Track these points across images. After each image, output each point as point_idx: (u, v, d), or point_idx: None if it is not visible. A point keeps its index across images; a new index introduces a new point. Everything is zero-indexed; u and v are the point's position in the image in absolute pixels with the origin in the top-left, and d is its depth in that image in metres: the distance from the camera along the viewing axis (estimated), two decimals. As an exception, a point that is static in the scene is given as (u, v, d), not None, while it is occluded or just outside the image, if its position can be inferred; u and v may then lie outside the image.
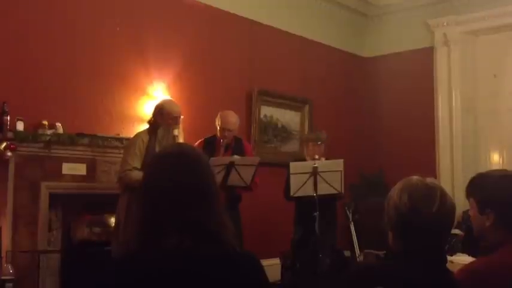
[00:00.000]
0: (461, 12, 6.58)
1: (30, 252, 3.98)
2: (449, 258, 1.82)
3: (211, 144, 4.34)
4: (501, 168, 5.74)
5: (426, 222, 1.56)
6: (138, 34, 5.00)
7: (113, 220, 4.17)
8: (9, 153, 3.90)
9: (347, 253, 5.58)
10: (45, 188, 4.17)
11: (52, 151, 4.19)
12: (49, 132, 4.19)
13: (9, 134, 3.95)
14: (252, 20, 6.02)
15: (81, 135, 4.36)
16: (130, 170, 3.79)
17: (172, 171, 1.45)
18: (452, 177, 6.53)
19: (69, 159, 4.31)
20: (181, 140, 4.21)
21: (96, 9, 4.71)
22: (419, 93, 6.88)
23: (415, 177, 1.64)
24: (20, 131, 4.04)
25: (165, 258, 1.36)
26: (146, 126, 4.13)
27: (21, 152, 4.03)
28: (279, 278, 5.08)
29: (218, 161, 3.98)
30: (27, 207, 4.06)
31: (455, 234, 4.95)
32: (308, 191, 4.32)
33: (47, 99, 4.36)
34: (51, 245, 4.28)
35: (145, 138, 3.91)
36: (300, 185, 4.34)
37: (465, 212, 5.05)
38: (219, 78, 5.65)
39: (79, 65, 4.56)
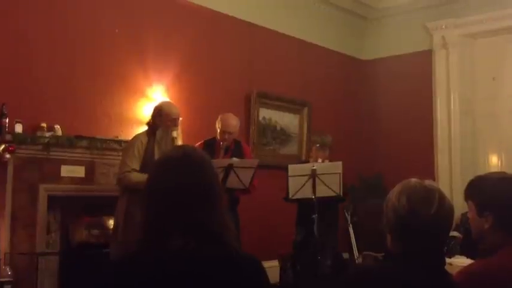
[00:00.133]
0: (460, 15, 6.59)
1: (29, 254, 3.98)
2: (447, 260, 1.82)
3: (210, 147, 4.34)
4: (499, 170, 5.74)
5: (425, 225, 1.56)
6: (137, 36, 5.00)
7: (111, 222, 4.17)
8: (7, 156, 3.90)
9: (346, 255, 5.58)
10: (44, 190, 4.17)
11: (51, 153, 4.19)
12: (48, 134, 4.19)
13: (8, 136, 3.95)
14: (251, 22, 6.02)
15: (79, 137, 4.36)
16: (129, 171, 3.79)
17: (176, 173, 1.45)
18: (451, 180, 6.53)
19: (67, 162, 4.31)
20: (179, 142, 4.21)
21: (95, 11, 4.72)
22: (418, 96, 6.89)
23: (413, 180, 1.65)
24: (19, 133, 4.04)
25: (168, 260, 1.36)
26: (145, 128, 4.12)
27: (19, 154, 4.02)
28: (278, 280, 5.07)
29: (217, 163, 3.98)
30: (25, 210, 4.06)
31: (454, 237, 4.95)
32: (307, 193, 4.32)
33: (46, 101, 4.36)
34: (49, 247, 4.27)
35: (144, 140, 3.91)
36: (298, 187, 4.34)
37: (464, 215, 5.05)
38: (218, 81, 5.66)
39: (78, 67, 4.57)
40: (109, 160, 4.51)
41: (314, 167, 4.34)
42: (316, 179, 4.29)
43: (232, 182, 4.01)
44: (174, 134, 3.97)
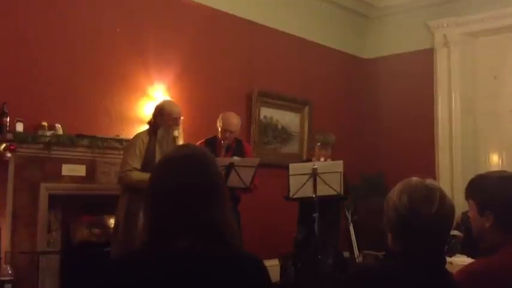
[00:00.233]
0: (462, 14, 6.58)
1: (30, 253, 3.98)
2: (448, 259, 1.82)
3: (211, 145, 4.34)
4: (500, 169, 5.74)
5: (425, 224, 1.56)
6: (138, 35, 5.00)
7: (112, 221, 4.17)
8: (8, 155, 3.91)
9: (346, 254, 5.58)
10: (45, 189, 4.17)
11: (52, 152, 4.19)
12: (49, 133, 4.19)
13: (9, 135, 3.95)
14: (252, 21, 6.02)
15: (80, 136, 4.36)
16: (130, 170, 3.79)
17: (179, 173, 1.45)
18: (452, 179, 6.53)
19: (68, 161, 4.31)
20: (180, 141, 4.21)
21: (96, 10, 4.72)
22: (419, 95, 6.89)
23: (414, 179, 1.65)
24: (20, 132, 4.04)
25: (173, 260, 1.35)
26: (146, 127, 4.12)
27: (20, 153, 4.03)
28: (278, 279, 5.08)
29: (218, 162, 3.98)
30: (26, 208, 4.06)
31: (455, 236, 4.95)
32: (308, 192, 4.32)
33: (47, 100, 4.36)
34: (50, 246, 4.28)
35: (146, 138, 3.91)
36: (299, 186, 4.34)
37: (464, 213, 5.04)
38: (219, 80, 5.66)
39: (79, 66, 4.57)
40: (110, 159, 4.51)
41: (315, 166, 4.34)
42: (317, 178, 4.29)
43: (233, 181, 4.01)
44: (176, 133, 3.97)
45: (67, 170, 4.30)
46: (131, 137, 4.20)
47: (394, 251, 1.63)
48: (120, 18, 4.88)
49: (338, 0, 6.92)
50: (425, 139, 6.80)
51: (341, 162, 4.42)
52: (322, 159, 4.61)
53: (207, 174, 1.47)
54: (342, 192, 4.38)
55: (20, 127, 4.05)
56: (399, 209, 1.59)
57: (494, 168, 6.23)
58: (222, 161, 4.05)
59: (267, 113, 6.18)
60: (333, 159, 4.65)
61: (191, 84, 5.37)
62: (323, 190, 4.30)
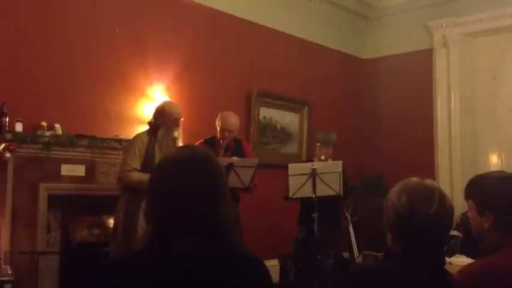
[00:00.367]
0: (460, 14, 6.58)
1: (29, 253, 3.98)
2: (448, 259, 1.82)
3: (210, 145, 4.34)
4: (500, 169, 5.74)
5: (425, 224, 1.56)
6: (137, 35, 5.00)
7: (111, 221, 4.17)
8: (8, 155, 3.90)
9: (346, 254, 5.58)
10: (44, 189, 4.17)
11: (51, 152, 4.19)
12: (48, 133, 4.19)
13: (8, 135, 3.95)
14: (252, 21, 6.02)
15: (80, 136, 4.36)
16: (130, 170, 3.79)
17: (180, 174, 1.44)
18: (451, 179, 6.53)
19: (68, 161, 4.31)
20: (180, 141, 4.21)
21: (95, 10, 4.72)
22: (418, 95, 6.89)
23: (414, 179, 1.65)
24: (19, 132, 4.04)
25: (175, 260, 1.35)
26: (145, 127, 4.13)
27: (20, 153, 4.02)
28: (278, 279, 5.08)
29: (218, 162, 3.98)
30: (26, 209, 4.06)
31: (454, 236, 4.95)
32: (307, 192, 4.32)
33: (46, 100, 4.36)
34: (50, 246, 4.28)
35: (145, 139, 3.91)
36: (298, 186, 4.34)
37: (464, 214, 5.05)
38: (219, 80, 5.66)
39: (78, 66, 4.57)
40: (109, 159, 4.51)
41: (314, 166, 4.34)
42: (317, 178, 4.29)
43: (233, 181, 4.00)
44: (176, 134, 3.97)
45: (66, 170, 4.30)
46: (130, 137, 4.20)
47: (394, 251, 1.63)
48: (120, 18, 4.88)
49: (337, 1, 6.92)
50: (425, 139, 6.80)
51: (340, 162, 4.42)
52: (322, 157, 4.60)
53: (208, 174, 1.46)
54: (341, 193, 4.39)
55: (19, 127, 4.05)
56: (398, 209, 1.59)
57: (493, 169, 6.23)
58: (221, 161, 4.03)
59: (266, 113, 6.18)
60: (333, 159, 4.65)
61: (191, 84, 5.37)
62: (322, 190, 4.30)
